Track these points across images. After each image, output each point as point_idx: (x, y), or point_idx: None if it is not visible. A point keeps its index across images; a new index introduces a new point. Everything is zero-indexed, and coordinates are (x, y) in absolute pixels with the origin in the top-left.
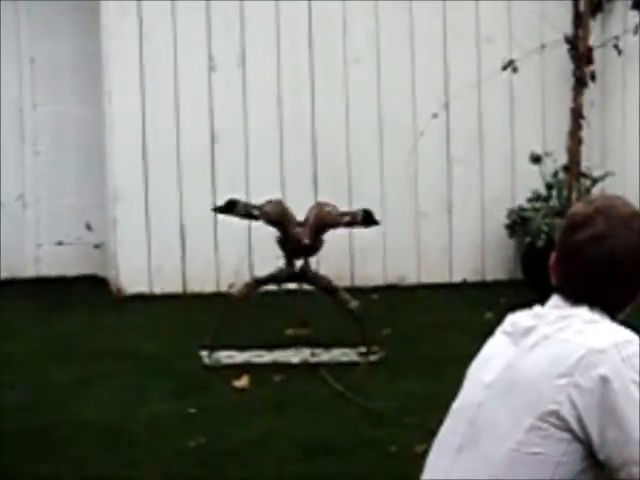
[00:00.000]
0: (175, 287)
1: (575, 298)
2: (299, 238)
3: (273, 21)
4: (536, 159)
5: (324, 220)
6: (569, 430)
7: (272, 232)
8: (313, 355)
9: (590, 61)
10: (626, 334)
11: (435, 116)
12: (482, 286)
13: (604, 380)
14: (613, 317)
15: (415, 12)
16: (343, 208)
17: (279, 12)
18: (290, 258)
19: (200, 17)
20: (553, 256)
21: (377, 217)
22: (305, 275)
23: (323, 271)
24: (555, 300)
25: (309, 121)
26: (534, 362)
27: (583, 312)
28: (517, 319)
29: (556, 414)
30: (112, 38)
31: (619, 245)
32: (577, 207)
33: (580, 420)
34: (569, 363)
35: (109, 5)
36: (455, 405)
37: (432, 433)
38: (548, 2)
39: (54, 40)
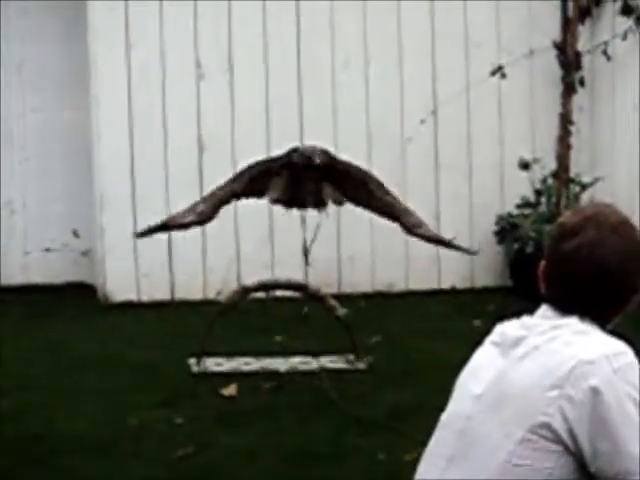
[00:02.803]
0: (163, 295)
1: (565, 308)
2: (308, 155)
3: (261, 28)
4: (525, 165)
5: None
6: (560, 442)
7: (260, 239)
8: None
9: (579, 67)
10: (617, 345)
11: (423, 122)
12: (471, 293)
13: (595, 392)
14: (603, 327)
15: (403, 17)
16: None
17: (266, 18)
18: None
19: (188, 24)
20: (542, 265)
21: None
22: (293, 283)
23: (311, 278)
24: (544, 310)
25: (297, 128)
26: (524, 373)
27: (573, 322)
28: (506, 329)
29: (547, 426)
30: (99, 44)
31: (609, 254)
32: (566, 216)
33: (571, 432)
34: (560, 375)
35: (96, 11)
36: (444, 416)
37: (421, 441)
38: (537, 8)
39: (42, 45)
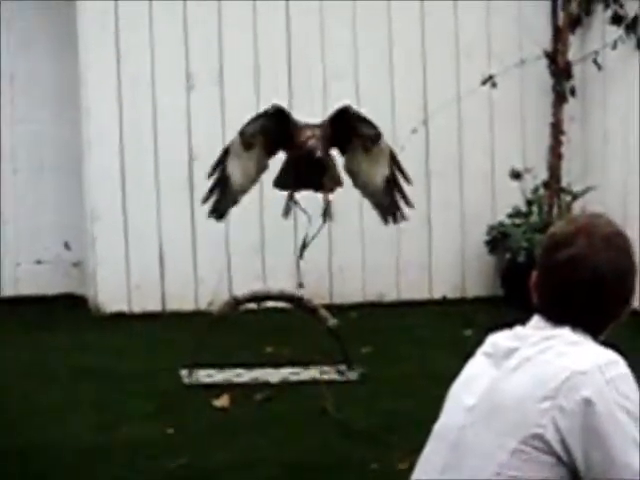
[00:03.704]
0: (154, 306)
1: (557, 319)
2: (311, 148)
3: (251, 39)
4: (516, 175)
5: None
6: (553, 453)
7: (251, 249)
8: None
9: (570, 76)
10: (610, 355)
11: (414, 132)
12: (462, 303)
13: (588, 402)
14: (595, 337)
15: (394, 27)
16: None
17: (257, 30)
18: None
19: (178, 35)
20: (534, 276)
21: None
22: (284, 294)
23: (302, 289)
24: (536, 321)
25: None
26: (516, 385)
27: (565, 333)
28: (498, 340)
29: (540, 438)
30: (90, 56)
31: (601, 265)
32: (558, 226)
33: (564, 443)
34: (552, 386)
35: (87, 24)
36: (437, 427)
37: (414, 451)
38: (527, 17)
39: (33, 58)
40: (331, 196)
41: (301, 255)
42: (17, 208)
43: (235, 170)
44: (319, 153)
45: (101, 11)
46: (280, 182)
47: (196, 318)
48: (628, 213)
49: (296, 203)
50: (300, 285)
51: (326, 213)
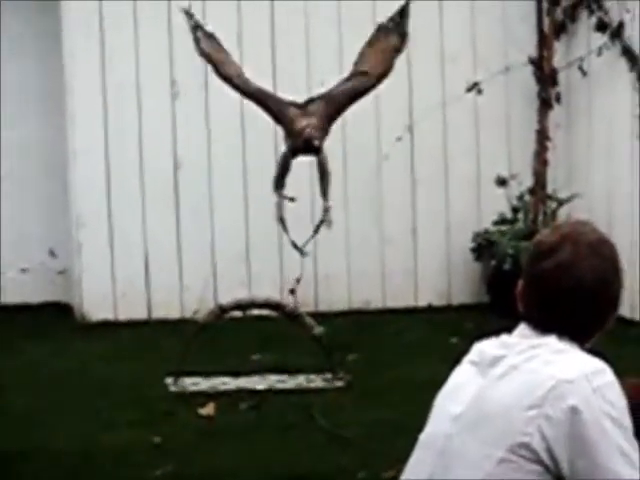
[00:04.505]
0: (140, 314)
1: (543, 327)
2: (308, 137)
3: (236, 45)
4: (502, 182)
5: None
6: (540, 462)
7: (236, 256)
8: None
9: (555, 82)
10: (596, 364)
11: (399, 139)
12: (448, 310)
13: (574, 411)
14: (582, 345)
15: None
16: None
17: (242, 36)
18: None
19: (163, 42)
20: (520, 284)
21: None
22: (269, 301)
23: (287, 297)
24: (522, 329)
25: (272, 146)
26: (503, 393)
27: (551, 341)
28: (484, 348)
29: (526, 446)
30: (75, 63)
31: (587, 273)
32: (543, 234)
33: (550, 452)
34: (539, 394)
35: (72, 30)
36: (423, 436)
37: (400, 459)
38: (512, 24)
39: (18, 64)
40: (331, 202)
41: (302, 252)
42: (2, 215)
43: None
44: (317, 142)
45: (86, 18)
46: (279, 184)
47: (182, 326)
48: (613, 220)
49: (290, 200)
50: (295, 283)
51: (324, 219)
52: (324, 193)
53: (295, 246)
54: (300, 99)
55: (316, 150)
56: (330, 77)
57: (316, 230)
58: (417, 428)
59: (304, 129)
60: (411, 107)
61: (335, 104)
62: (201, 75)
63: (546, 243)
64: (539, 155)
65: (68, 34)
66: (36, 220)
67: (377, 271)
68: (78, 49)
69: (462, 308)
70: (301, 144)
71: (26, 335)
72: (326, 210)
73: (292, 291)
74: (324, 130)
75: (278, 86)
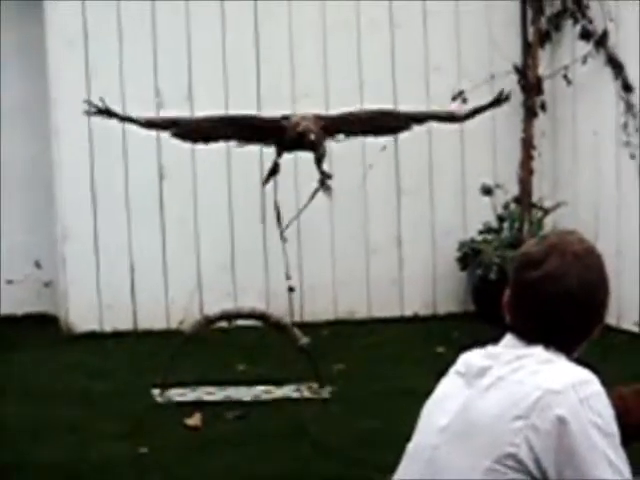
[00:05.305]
0: (125, 325)
1: (529, 337)
2: (304, 130)
3: (220, 55)
4: (487, 191)
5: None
6: (527, 472)
7: (222, 267)
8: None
9: (540, 91)
10: (583, 374)
11: (384, 148)
12: (434, 319)
13: (561, 421)
14: (569, 355)
15: (363, 43)
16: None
17: (226, 46)
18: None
19: (147, 52)
20: (506, 294)
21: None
22: (255, 312)
23: (273, 307)
24: (509, 339)
25: (257, 156)
26: (490, 404)
27: (538, 352)
28: (470, 359)
29: (513, 457)
30: (60, 75)
31: (574, 283)
32: (529, 245)
33: (538, 462)
34: (525, 405)
35: (56, 42)
36: (410, 447)
37: (386, 469)
38: (497, 32)
39: (3, 77)
40: (326, 166)
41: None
42: None
43: None
44: (313, 136)
45: (70, 30)
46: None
47: (168, 337)
48: (599, 228)
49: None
50: (288, 277)
51: (324, 185)
52: (319, 163)
53: (281, 234)
54: (284, 112)
55: (311, 145)
56: (314, 88)
57: (312, 196)
58: (404, 438)
59: (299, 123)
60: None
61: (331, 122)
62: (185, 84)
63: (532, 253)
64: (524, 164)
65: (52, 46)
66: (22, 232)
67: (362, 281)
68: (62, 61)
69: (448, 317)
70: (295, 136)
71: (11, 346)
72: (328, 176)
73: (291, 289)
74: (320, 134)
75: (262, 99)
